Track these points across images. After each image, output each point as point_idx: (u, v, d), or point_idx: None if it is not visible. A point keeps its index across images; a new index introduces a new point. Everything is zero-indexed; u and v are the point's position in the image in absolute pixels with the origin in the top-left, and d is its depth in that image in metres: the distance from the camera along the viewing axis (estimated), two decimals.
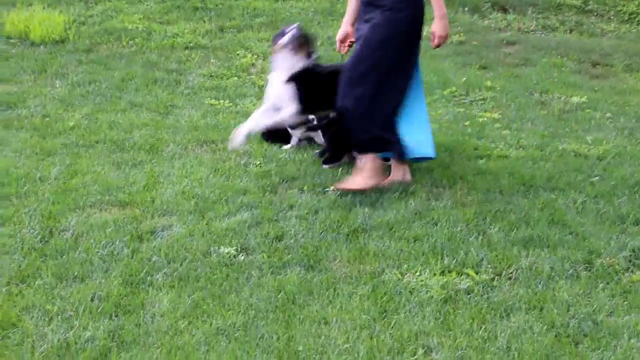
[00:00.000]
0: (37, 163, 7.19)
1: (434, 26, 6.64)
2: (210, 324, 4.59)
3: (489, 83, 10.60)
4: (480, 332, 4.58)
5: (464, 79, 10.69)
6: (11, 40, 11.52)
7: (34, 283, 5.02)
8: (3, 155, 7.33)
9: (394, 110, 6.71)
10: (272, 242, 5.74)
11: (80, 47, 11.41)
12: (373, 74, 6.53)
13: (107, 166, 7.21)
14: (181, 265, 5.33)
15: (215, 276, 5.20)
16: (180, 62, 11.02)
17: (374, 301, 4.89)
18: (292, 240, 5.76)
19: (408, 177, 6.86)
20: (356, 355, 4.27)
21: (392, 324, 4.62)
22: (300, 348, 4.33)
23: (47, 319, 4.59)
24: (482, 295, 5.02)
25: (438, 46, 6.71)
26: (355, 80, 6.56)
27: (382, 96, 6.57)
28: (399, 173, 6.85)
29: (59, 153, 7.50)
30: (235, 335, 4.48)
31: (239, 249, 5.62)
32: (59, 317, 4.62)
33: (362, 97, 6.54)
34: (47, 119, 8.51)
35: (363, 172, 6.69)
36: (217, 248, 5.61)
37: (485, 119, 9.11)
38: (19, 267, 5.24)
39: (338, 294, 4.98)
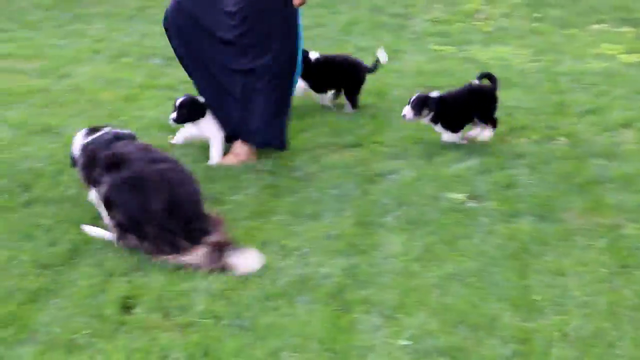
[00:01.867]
0: None
1: None
2: (443, 268, 4.59)
3: None
4: None
5: None
6: None
7: (271, 219, 5.19)
8: None
9: None
10: (502, 190, 5.65)
11: None
12: None
13: (335, 108, 7.34)
14: (411, 208, 5.35)
15: (446, 221, 5.18)
16: (406, 7, 10.99)
17: (612, 255, 4.72)
18: (522, 189, 5.65)
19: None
20: (596, 308, 4.14)
21: (633, 280, 4.45)
22: (538, 298, 4.25)
23: (284, 254, 4.75)
24: None
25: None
26: None
27: None
28: None
29: None
30: (469, 280, 4.45)
31: (468, 196, 5.58)
32: (296, 252, 4.76)
33: None
34: None
35: None
36: (446, 193, 5.60)
37: None
38: (256, 202, 5.43)
39: (573, 245, 4.85)
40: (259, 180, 5.76)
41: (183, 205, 4.74)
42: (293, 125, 6.78)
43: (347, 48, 9.20)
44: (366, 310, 4.17)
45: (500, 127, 6.77)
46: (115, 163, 4.77)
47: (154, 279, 4.43)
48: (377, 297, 4.27)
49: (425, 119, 6.46)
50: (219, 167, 5.97)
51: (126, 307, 4.18)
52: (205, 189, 5.48)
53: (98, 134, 5.14)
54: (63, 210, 5.16)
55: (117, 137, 5.06)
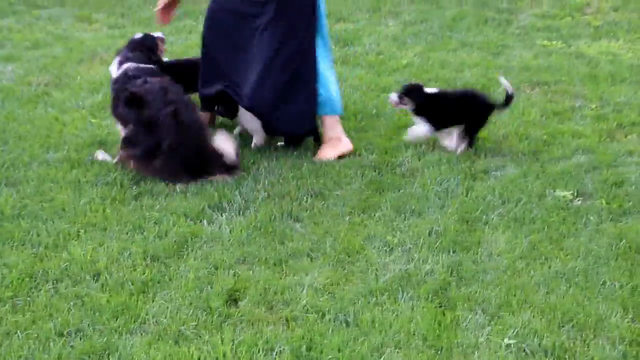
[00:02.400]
0: (372, 99, 7.41)
1: None
2: (549, 267, 4.53)
3: None
4: None
5: None
6: None
7: (375, 214, 5.20)
8: (342, 91, 7.60)
9: None
10: (611, 188, 5.53)
11: None
12: None
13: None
14: (516, 206, 5.29)
15: (552, 219, 5.10)
16: (512, 2, 10.83)
17: None
18: (633, 188, 5.53)
19: None
20: None
21: None
22: None
23: (388, 250, 4.76)
24: None
25: None
26: None
27: None
28: None
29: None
30: (575, 279, 4.38)
31: (576, 193, 5.48)
32: (399, 248, 4.76)
33: None
34: (381, 56, 8.73)
35: None
36: (552, 191, 5.51)
37: None
38: (360, 198, 5.45)
39: None
40: (362, 176, 5.76)
41: (187, 144, 5.67)
42: (396, 121, 6.79)
43: (451, 43, 9.13)
44: (470, 308, 4.15)
45: (609, 123, 6.63)
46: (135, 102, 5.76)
47: (258, 272, 4.50)
48: (481, 295, 4.25)
49: (408, 108, 6.37)
50: (322, 162, 6.00)
51: (232, 299, 4.26)
52: (309, 184, 5.56)
53: (122, 69, 6.03)
54: (171, 203, 5.28)
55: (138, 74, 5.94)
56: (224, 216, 5.14)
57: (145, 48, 6.32)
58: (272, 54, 6.02)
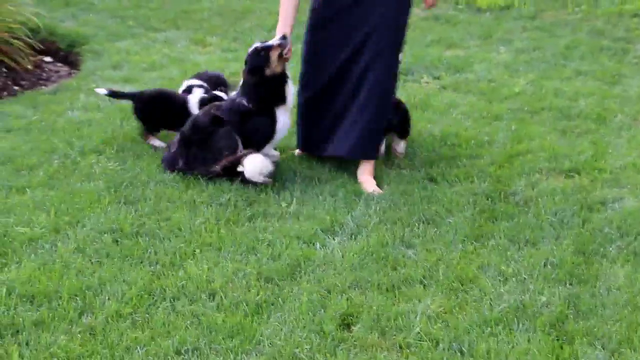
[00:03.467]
0: (484, 126, 7.35)
1: None
2: None
3: None
4: None
5: None
6: (459, 6, 11.90)
7: (488, 243, 5.15)
8: (452, 118, 7.59)
9: None
10: None
11: (525, 14, 11.47)
12: None
13: (553, 133, 7.18)
14: (635, 239, 5.16)
15: None
16: (629, 30, 10.61)
17: None
18: None
19: None
20: None
21: None
22: None
23: (502, 279, 4.70)
24: None
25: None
26: None
27: None
28: None
29: (505, 117, 7.60)
30: None
31: None
32: (514, 278, 4.69)
33: None
34: (493, 83, 8.66)
35: None
36: None
37: None
38: (472, 226, 5.40)
39: None
40: (475, 204, 5.71)
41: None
42: (510, 150, 6.72)
43: (565, 72, 8.99)
44: (589, 343, 4.05)
45: None
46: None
47: (371, 297, 4.49)
48: (600, 330, 4.15)
49: None
50: (432, 188, 5.97)
51: (345, 324, 4.27)
52: (421, 210, 5.53)
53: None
54: (284, 226, 5.33)
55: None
56: (336, 240, 5.16)
57: None
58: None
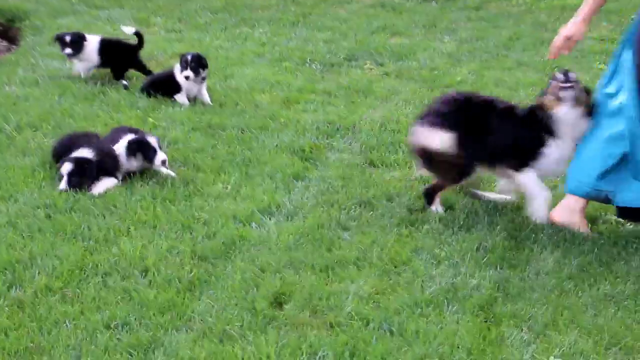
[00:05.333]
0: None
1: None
2: (598, 289, 4.48)
3: None
4: None
5: None
6: None
7: (422, 227, 5.19)
8: (394, 104, 7.63)
9: None
10: None
11: (470, 4, 11.58)
12: None
13: None
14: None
15: (602, 242, 5.05)
16: None
17: None
18: None
19: None
20: None
21: None
22: None
23: (435, 262, 4.74)
24: None
25: None
26: None
27: None
28: None
29: None
30: (625, 303, 4.33)
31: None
32: (447, 262, 4.74)
33: None
34: (435, 72, 8.72)
35: None
36: (604, 214, 5.46)
37: None
38: (409, 210, 5.44)
39: None
40: (412, 189, 5.76)
41: None
42: None
43: (507, 62, 9.10)
44: (516, 325, 4.12)
45: None
46: None
47: (304, 277, 4.51)
48: (527, 313, 4.22)
49: None
50: (374, 172, 6.00)
51: (277, 302, 4.28)
52: (359, 194, 5.55)
53: None
54: (221, 205, 5.31)
55: None
56: (272, 220, 5.16)
57: None
58: None
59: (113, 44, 7.92)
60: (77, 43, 7.60)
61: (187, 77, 7.24)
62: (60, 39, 7.65)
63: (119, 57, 7.87)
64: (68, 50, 7.57)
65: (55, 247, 4.66)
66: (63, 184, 5.39)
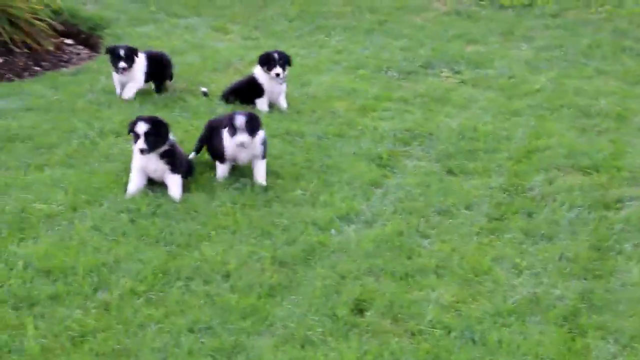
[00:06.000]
0: (503, 122, 7.34)
1: None
2: None
3: None
4: None
5: None
6: (481, 2, 11.86)
7: (503, 236, 5.14)
8: (472, 112, 7.58)
9: None
10: None
11: (548, 12, 11.42)
12: None
13: (572, 131, 7.16)
14: None
15: None
16: None
17: None
18: None
19: None
20: None
21: None
22: None
23: (516, 272, 4.70)
24: None
25: None
26: None
27: None
28: None
29: (524, 114, 7.58)
30: None
31: None
32: (528, 271, 4.69)
33: None
34: (513, 80, 8.64)
35: None
36: None
37: None
38: (488, 218, 5.40)
39: None
40: (491, 197, 5.71)
41: None
42: (528, 145, 6.71)
43: (586, 71, 8.96)
44: (601, 337, 4.05)
45: None
46: None
47: (385, 284, 4.50)
48: (613, 324, 4.14)
49: None
50: (452, 181, 5.96)
51: (358, 309, 4.28)
52: (438, 201, 5.53)
53: None
54: (300, 212, 5.34)
55: None
56: (351, 227, 5.17)
57: None
58: None
59: (157, 58, 7.74)
60: (130, 57, 7.32)
61: (277, 75, 7.27)
62: (112, 52, 7.39)
63: (162, 70, 7.75)
64: (122, 64, 7.24)
65: (139, 251, 4.74)
66: (142, 143, 5.44)
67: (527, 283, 4.56)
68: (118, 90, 7.54)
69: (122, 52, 7.30)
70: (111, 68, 7.45)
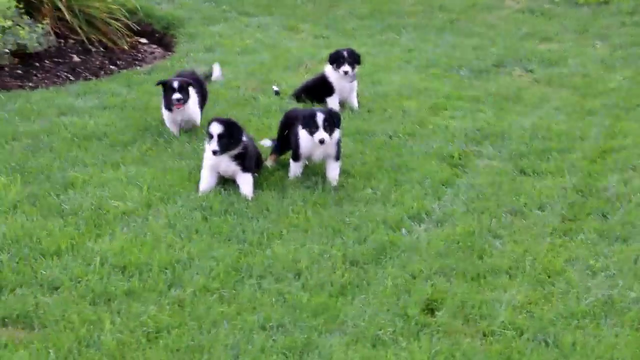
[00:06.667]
0: (576, 121, 7.24)
1: None
2: None
3: None
4: None
5: None
6: (555, 0, 11.72)
7: (577, 237, 5.08)
8: (544, 112, 7.50)
9: None
10: None
11: (624, 9, 11.22)
12: None
13: None
14: None
15: None
16: None
17: None
18: None
19: None
20: None
21: None
22: None
23: (590, 273, 4.63)
24: None
25: None
26: None
27: None
28: None
29: (599, 113, 7.48)
30: None
31: None
32: (603, 273, 4.63)
33: None
34: (587, 78, 8.52)
35: None
36: None
37: None
38: (561, 219, 5.33)
39: None
40: (565, 198, 5.63)
41: None
42: (602, 145, 6.61)
43: None
44: None
45: None
46: None
47: (456, 284, 4.48)
48: None
49: None
50: (525, 180, 5.90)
51: (429, 309, 4.27)
52: (509, 201, 5.49)
53: None
54: (371, 211, 5.34)
55: None
56: (422, 227, 5.16)
57: None
58: None
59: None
60: (185, 89, 6.53)
61: (345, 73, 7.30)
62: (166, 85, 6.59)
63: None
64: (177, 96, 6.45)
65: (211, 248, 4.79)
66: (214, 144, 5.49)
67: (602, 285, 4.49)
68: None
69: (175, 85, 6.51)
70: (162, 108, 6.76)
